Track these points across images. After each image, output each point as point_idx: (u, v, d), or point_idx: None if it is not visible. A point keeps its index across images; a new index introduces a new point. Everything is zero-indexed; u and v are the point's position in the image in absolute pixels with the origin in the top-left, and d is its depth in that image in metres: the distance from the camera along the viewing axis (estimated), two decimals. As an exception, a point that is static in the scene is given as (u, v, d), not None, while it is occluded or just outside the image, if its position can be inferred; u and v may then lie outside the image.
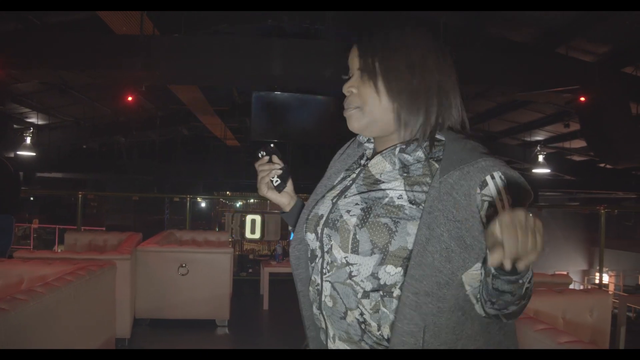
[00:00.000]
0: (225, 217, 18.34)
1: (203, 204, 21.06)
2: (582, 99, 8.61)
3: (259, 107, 9.05)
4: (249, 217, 17.41)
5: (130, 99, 9.13)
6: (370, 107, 1.23)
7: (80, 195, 7.47)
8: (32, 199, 20.71)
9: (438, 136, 1.23)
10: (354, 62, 1.27)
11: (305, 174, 19.09)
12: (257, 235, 16.96)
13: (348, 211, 1.23)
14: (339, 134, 16.23)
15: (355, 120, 1.26)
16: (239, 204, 20.10)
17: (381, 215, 1.17)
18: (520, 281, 1.03)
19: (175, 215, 19.66)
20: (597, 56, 9.30)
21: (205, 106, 12.59)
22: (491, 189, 1.10)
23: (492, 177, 1.10)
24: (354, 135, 1.39)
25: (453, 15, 7.89)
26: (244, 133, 17.08)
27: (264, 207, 18.54)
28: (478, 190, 1.10)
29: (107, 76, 8.52)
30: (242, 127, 16.78)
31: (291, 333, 5.73)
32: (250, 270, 10.08)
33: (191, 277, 5.39)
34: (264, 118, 9.14)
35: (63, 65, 7.59)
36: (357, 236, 1.18)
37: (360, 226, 1.18)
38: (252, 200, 18.88)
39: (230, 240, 16.97)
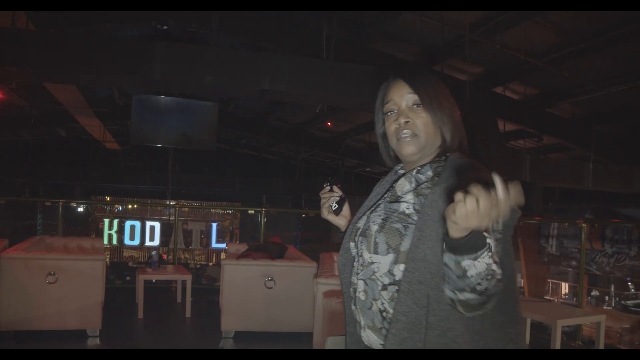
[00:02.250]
0: (103, 223, 17.73)
1: (80, 209, 20.13)
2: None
3: (140, 111, 8.82)
4: (128, 223, 16.91)
5: (-1, 96, 8.58)
6: (425, 135, 1.53)
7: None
8: None
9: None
10: (404, 97, 1.57)
11: (188, 179, 18.72)
12: (136, 241, 16.49)
13: (374, 221, 1.53)
14: (221, 140, 16.17)
15: (413, 145, 1.54)
16: (119, 209, 19.44)
17: (395, 222, 1.47)
18: (462, 262, 1.19)
19: (49, 221, 18.66)
20: (470, 75, 9.87)
21: (84, 107, 12.09)
22: None
23: None
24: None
25: (335, 27, 8.07)
26: (124, 136, 16.55)
27: (144, 213, 18.05)
28: None
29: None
30: (123, 130, 16.26)
31: (165, 342, 5.62)
32: (128, 278, 9.77)
33: (60, 286, 5.16)
34: (144, 122, 8.91)
35: None
36: (377, 239, 1.48)
37: (379, 231, 1.49)
38: (131, 206, 18.31)
39: (107, 247, 16.40)
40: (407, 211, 1.47)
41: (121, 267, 15.89)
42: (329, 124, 12.65)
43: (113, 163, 18.94)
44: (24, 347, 4.99)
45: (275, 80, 7.59)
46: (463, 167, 1.42)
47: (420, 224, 1.38)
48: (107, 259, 14.31)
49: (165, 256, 12.84)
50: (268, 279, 5.40)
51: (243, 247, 6.59)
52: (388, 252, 1.45)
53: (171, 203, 15.64)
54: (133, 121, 9.03)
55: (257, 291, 5.45)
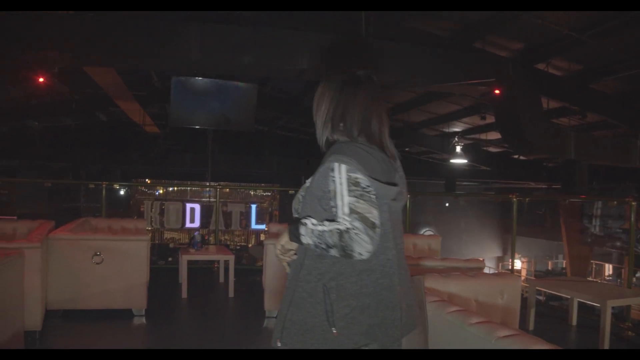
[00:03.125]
0: (145, 205, 17.98)
1: (122, 192, 20.44)
2: (497, 91, 8.88)
3: (179, 93, 8.83)
4: (169, 205, 17.09)
5: (41, 80, 8.66)
6: (318, 135, 2.01)
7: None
8: None
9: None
10: None
11: (227, 161, 18.77)
12: (176, 223, 16.66)
13: None
14: (259, 121, 16.14)
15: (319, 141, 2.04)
16: (159, 192, 19.69)
17: (300, 192, 2.01)
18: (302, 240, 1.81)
19: (92, 203, 19.01)
20: (511, 52, 9.64)
21: (123, 90, 12.20)
22: (336, 173, 1.77)
23: (339, 166, 1.77)
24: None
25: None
26: (164, 119, 16.68)
27: (184, 195, 18.25)
28: (331, 173, 1.79)
29: (16, 56, 8.08)
30: (162, 113, 16.40)
31: (209, 322, 5.67)
32: (170, 259, 9.90)
33: (106, 266, 5.23)
34: (183, 104, 8.93)
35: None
36: (293, 204, 2.04)
37: (293, 199, 2.05)
38: (172, 189, 18.51)
39: (149, 228, 16.62)
40: (307, 184, 1.96)
41: (163, 248, 16.11)
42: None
43: (153, 146, 19.12)
44: (72, 326, 5.10)
45: (313, 58, 7.53)
46: (330, 153, 1.86)
47: (307, 192, 1.92)
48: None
49: (206, 237, 12.96)
50: (311, 259, 5.38)
51: (284, 227, 6.58)
52: (294, 213, 2.01)
53: (211, 184, 15.72)
54: (172, 103, 9.05)
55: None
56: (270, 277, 5.51)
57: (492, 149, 18.66)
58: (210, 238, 14.60)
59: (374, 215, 1.72)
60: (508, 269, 22.54)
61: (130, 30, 7.46)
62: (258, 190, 18.77)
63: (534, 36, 8.95)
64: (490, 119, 12.88)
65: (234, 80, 9.26)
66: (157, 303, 5.86)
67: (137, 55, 7.66)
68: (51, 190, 19.56)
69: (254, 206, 17.66)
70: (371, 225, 1.70)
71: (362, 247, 1.68)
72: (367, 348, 1.77)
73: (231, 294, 6.59)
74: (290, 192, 18.10)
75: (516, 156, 18.24)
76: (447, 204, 24.14)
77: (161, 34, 7.52)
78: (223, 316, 6.06)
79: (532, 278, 18.75)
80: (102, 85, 11.59)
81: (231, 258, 6.74)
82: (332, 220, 1.75)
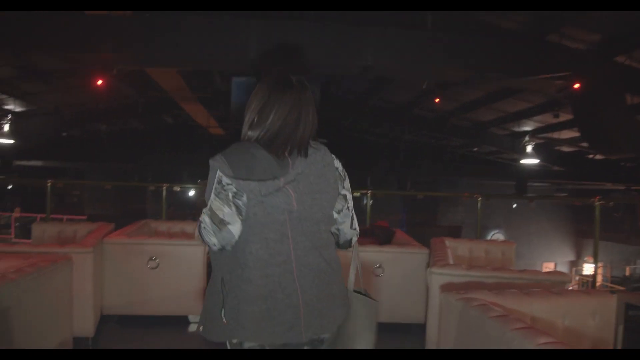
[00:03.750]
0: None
1: (192, 193, 20.61)
2: (576, 85, 8.29)
3: (239, 93, 8.65)
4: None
5: (100, 82, 8.64)
6: None
7: (49, 184, 7.07)
8: (9, 187, 20.14)
9: None
10: None
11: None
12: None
13: None
14: (323, 122, 15.90)
15: None
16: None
17: None
18: None
19: (159, 205, 19.26)
20: (588, 44, 9.01)
21: (187, 93, 12.21)
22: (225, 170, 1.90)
23: (212, 164, 1.93)
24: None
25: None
26: (228, 121, 16.72)
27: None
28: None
29: (80, 60, 8.11)
30: (227, 115, 16.44)
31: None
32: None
33: (162, 271, 5.06)
34: (244, 105, 8.76)
35: (29, 47, 7.13)
36: None
37: None
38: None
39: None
40: None
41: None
42: (437, 100, 12.03)
43: (219, 148, 19.21)
44: (125, 331, 4.96)
45: (378, 54, 7.19)
46: None
47: None
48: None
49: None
50: (376, 266, 5.04)
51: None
52: None
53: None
54: (232, 104, 8.87)
55: (364, 278, 5.11)
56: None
57: (565, 149, 17.77)
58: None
59: (224, 212, 1.83)
60: (582, 275, 21.51)
61: (189, 28, 7.33)
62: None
63: (612, 27, 8.30)
64: (564, 117, 12.17)
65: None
66: (214, 310, 5.65)
67: (197, 54, 7.53)
68: (118, 192, 19.92)
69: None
70: (218, 222, 1.83)
71: (209, 239, 1.84)
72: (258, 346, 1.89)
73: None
74: (355, 194, 17.86)
75: (591, 156, 17.30)
76: (514, 205, 23.23)
77: (221, 32, 7.36)
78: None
79: (612, 285, 17.76)
80: (166, 88, 11.62)
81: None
82: None
